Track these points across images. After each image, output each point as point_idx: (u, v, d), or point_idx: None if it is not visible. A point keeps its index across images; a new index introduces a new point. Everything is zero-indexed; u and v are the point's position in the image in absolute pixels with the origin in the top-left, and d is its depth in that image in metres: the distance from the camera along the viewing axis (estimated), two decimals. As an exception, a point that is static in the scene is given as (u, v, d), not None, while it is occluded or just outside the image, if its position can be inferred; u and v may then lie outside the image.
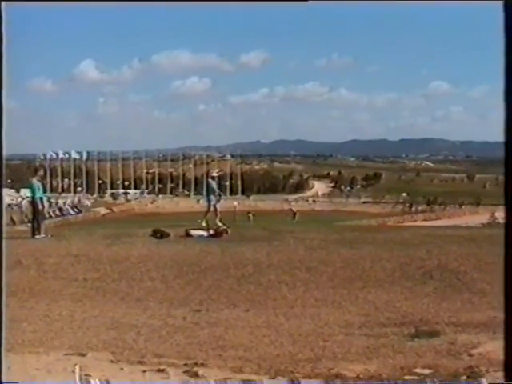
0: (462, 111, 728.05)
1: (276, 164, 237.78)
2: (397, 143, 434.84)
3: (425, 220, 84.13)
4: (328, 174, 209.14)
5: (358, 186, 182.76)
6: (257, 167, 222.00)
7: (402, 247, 20.52)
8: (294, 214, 73.29)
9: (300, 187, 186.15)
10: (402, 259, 18.41)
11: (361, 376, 7.29)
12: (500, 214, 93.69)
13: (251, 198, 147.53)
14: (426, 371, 7.54)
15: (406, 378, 7.31)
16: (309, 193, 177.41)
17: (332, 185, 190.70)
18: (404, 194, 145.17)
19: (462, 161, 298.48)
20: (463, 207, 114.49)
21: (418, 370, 7.60)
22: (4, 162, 4.81)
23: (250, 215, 71.24)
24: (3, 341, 5.05)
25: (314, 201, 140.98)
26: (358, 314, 12.54)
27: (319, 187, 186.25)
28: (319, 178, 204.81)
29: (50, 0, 15.18)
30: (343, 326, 11.12)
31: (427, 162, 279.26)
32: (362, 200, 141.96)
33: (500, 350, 8.72)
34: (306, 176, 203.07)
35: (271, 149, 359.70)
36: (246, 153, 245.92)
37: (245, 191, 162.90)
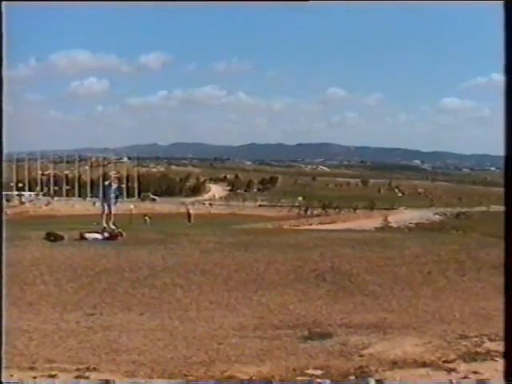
0: (357, 117, 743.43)
1: (173, 167, 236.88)
2: (293, 148, 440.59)
3: (320, 223, 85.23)
4: (225, 177, 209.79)
5: (255, 190, 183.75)
6: (154, 170, 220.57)
7: (297, 250, 20.83)
8: (189, 216, 73.02)
9: (197, 190, 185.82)
10: (296, 262, 18.69)
11: (254, 378, 7.37)
12: (392, 218, 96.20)
13: (147, 200, 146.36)
14: (318, 372, 7.69)
15: (298, 379, 7.44)
16: (206, 196, 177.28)
17: (229, 188, 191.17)
18: (300, 198, 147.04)
19: (357, 166, 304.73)
20: (357, 211, 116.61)
21: (309, 371, 7.74)
22: None
23: (147, 218, 70.55)
24: (3, 342, 4.96)
25: (210, 204, 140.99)
26: (252, 317, 12.66)
27: (216, 190, 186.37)
28: (216, 181, 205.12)
29: (50, 0, 14.84)
30: (237, 329, 11.20)
31: (323, 167, 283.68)
32: (259, 203, 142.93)
33: (390, 350, 9.01)
34: (203, 179, 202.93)
35: (169, 151, 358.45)
36: (143, 155, 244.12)
37: (141, 194, 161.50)
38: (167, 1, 7.40)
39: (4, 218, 5.04)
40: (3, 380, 5.30)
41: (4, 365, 5.96)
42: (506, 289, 4.24)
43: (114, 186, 27.32)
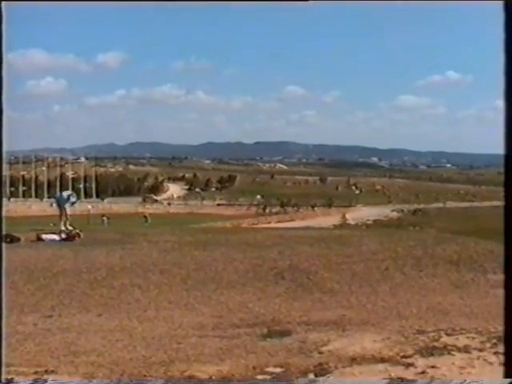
0: (315, 115, 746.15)
1: (131, 166, 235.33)
2: (252, 146, 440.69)
3: (278, 222, 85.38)
4: (183, 176, 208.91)
5: (213, 189, 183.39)
6: (112, 170, 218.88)
7: (255, 249, 20.86)
8: (146, 216, 72.74)
9: (155, 190, 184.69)
10: (255, 260, 18.73)
11: (213, 377, 7.36)
12: (350, 215, 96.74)
13: (106, 200, 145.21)
14: (278, 370, 7.71)
15: (259, 377, 7.45)
16: (164, 195, 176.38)
17: (187, 187, 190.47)
18: (258, 196, 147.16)
19: (315, 163, 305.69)
20: (316, 209, 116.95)
21: (269, 369, 7.76)
22: None
23: (105, 218, 70.03)
24: (3, 341, 4.89)
25: (168, 203, 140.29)
26: (211, 316, 12.65)
27: (174, 190, 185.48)
28: (174, 180, 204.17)
29: (50, 0, 14.62)
30: (196, 328, 11.19)
31: (281, 165, 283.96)
32: (217, 202, 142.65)
33: (349, 347, 9.06)
34: (161, 178, 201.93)
35: (126, 151, 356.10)
36: (100, 155, 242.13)
37: (99, 194, 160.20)
38: (136, 1, 7.31)
39: (3, 218, 5.00)
40: (3, 380, 5.25)
41: (4, 365, 5.90)
42: (505, 288, 4.25)
43: (68, 193, 27.00)
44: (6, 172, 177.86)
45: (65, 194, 25.39)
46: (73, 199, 25.87)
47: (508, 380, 4.56)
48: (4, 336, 4.95)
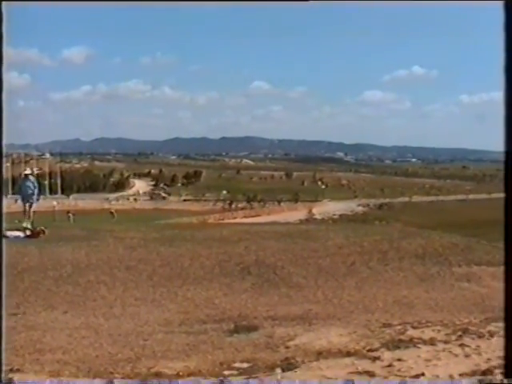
0: (281, 110, 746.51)
1: (97, 162, 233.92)
2: (218, 141, 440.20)
3: (245, 217, 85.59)
4: (149, 172, 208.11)
5: (179, 184, 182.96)
6: (77, 166, 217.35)
7: (221, 244, 20.84)
8: (112, 212, 72.41)
9: (121, 186, 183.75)
10: (221, 256, 18.71)
11: (180, 374, 7.35)
12: (317, 210, 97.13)
13: (71, 197, 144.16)
14: (245, 365, 7.71)
15: (226, 373, 7.45)
16: (130, 191, 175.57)
17: (153, 183, 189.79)
18: (224, 192, 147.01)
19: (281, 159, 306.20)
20: (282, 204, 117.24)
21: (236, 365, 7.76)
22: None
23: (70, 215, 69.62)
24: (3, 341, 4.82)
25: (135, 199, 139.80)
26: (177, 312, 12.63)
27: (140, 186, 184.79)
28: (140, 176, 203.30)
29: (50, 0, 14.43)
30: (163, 325, 11.16)
31: (247, 160, 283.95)
32: (183, 198, 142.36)
33: (315, 341, 9.09)
34: (126, 174, 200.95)
35: (92, 147, 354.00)
36: (66, 151, 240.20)
37: (64, 190, 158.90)
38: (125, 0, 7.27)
39: (3, 217, 4.97)
40: (3, 380, 5.20)
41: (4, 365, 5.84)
42: (505, 289, 4.27)
43: (32, 180, 26.62)
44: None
45: (29, 190, 25.01)
46: (37, 196, 25.52)
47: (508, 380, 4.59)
48: (4, 336, 4.93)
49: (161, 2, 6.60)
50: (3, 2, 4.20)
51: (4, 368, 5.37)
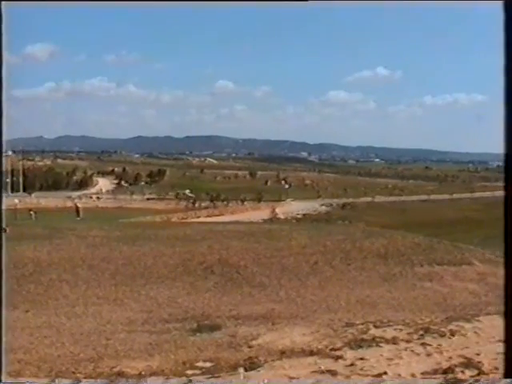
0: (245, 109, 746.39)
1: (60, 160, 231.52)
2: (182, 140, 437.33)
3: (208, 216, 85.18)
4: (112, 170, 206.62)
5: (143, 183, 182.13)
6: (40, 163, 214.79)
7: (185, 243, 20.79)
8: (78, 211, 71.69)
9: (84, 184, 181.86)
10: (184, 255, 18.67)
11: (143, 373, 7.32)
12: (280, 210, 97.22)
13: (33, 195, 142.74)
14: (208, 364, 7.71)
15: (188, 372, 7.43)
16: (93, 190, 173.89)
17: (116, 181, 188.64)
18: (188, 191, 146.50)
19: (245, 158, 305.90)
20: (245, 203, 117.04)
21: (199, 364, 7.75)
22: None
23: (32, 213, 68.79)
24: (3, 341, 4.74)
25: (98, 198, 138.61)
26: (140, 311, 12.58)
27: (103, 184, 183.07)
28: (103, 174, 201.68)
29: (50, 0, 14.17)
30: (125, 324, 11.11)
31: (211, 159, 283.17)
32: (147, 196, 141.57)
33: (278, 340, 9.10)
34: (90, 172, 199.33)
35: (55, 144, 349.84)
36: (28, 148, 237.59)
37: (27, 188, 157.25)
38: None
39: (4, 216, 4.94)
40: (3, 380, 5.16)
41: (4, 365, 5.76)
42: (505, 289, 4.28)
43: None
44: None
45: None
46: None
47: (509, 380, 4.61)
48: (4, 336, 4.90)
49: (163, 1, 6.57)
50: (3, 2, 4.18)
51: (4, 369, 5.32)
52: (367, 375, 6.92)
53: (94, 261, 17.76)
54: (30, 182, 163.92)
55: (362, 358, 7.56)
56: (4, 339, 4.94)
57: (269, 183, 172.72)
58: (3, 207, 5.16)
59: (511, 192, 4.33)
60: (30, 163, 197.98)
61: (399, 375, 6.83)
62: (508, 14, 4.10)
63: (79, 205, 78.80)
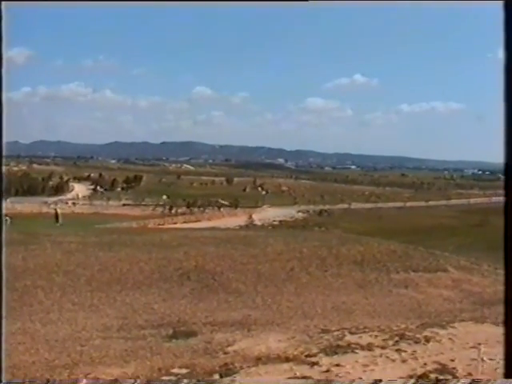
0: (223, 116, 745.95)
1: (35, 165, 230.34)
2: (158, 146, 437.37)
3: (185, 222, 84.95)
4: (89, 176, 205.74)
5: (119, 189, 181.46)
6: (15, 168, 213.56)
7: (161, 249, 20.74)
8: (57, 216, 71.12)
9: (60, 189, 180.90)
10: (160, 261, 18.63)
11: (118, 380, 7.29)
12: (257, 216, 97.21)
13: (8, 200, 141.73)
14: (183, 371, 7.69)
15: (164, 378, 7.41)
16: (69, 195, 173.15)
17: (93, 187, 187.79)
18: (164, 197, 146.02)
19: (222, 164, 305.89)
20: (222, 209, 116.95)
21: (175, 371, 7.73)
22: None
23: (7, 218, 68.39)
24: (3, 340, 4.68)
25: (74, 203, 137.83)
26: (115, 317, 12.53)
27: (79, 189, 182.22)
28: (80, 180, 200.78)
29: (50, 0, 14.05)
30: (101, 330, 11.06)
31: (188, 165, 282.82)
32: (123, 202, 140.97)
33: (254, 347, 9.10)
34: (66, 178, 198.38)
35: (31, 150, 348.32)
36: (3, 153, 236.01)
37: (1, 193, 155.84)
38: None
39: (3, 219, 4.92)
40: (3, 380, 5.13)
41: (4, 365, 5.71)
42: (505, 290, 4.27)
43: None
44: None
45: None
46: None
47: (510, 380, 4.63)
48: (4, 337, 4.88)
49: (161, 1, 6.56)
50: (3, 2, 4.16)
51: (4, 369, 5.29)
52: (343, 382, 6.94)
53: (70, 267, 17.67)
54: (5, 187, 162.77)
55: (337, 365, 7.59)
56: (4, 339, 4.92)
57: (246, 189, 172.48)
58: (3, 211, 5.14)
59: (511, 200, 4.35)
60: (4, 168, 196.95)
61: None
62: (508, 13, 4.12)
63: (59, 210, 78.26)
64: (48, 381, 7.21)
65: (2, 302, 4.77)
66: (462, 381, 7.15)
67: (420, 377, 6.96)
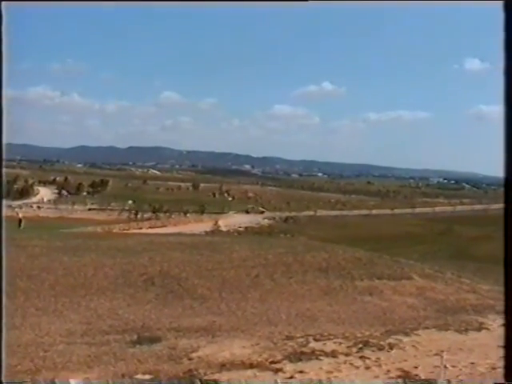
0: (190, 121, 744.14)
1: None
2: (125, 150, 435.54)
3: (150, 227, 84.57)
4: (54, 179, 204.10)
5: (85, 193, 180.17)
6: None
7: (126, 254, 20.65)
8: (20, 220, 70.43)
9: (25, 193, 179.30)
10: (125, 266, 18.55)
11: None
12: (223, 222, 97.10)
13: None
14: (147, 377, 7.67)
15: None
16: (34, 199, 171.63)
17: (58, 191, 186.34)
18: (130, 202, 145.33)
19: (188, 170, 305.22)
20: (188, 215, 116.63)
21: (139, 377, 7.72)
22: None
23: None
24: (3, 340, 4.58)
25: (38, 207, 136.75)
26: (79, 323, 12.44)
27: (45, 193, 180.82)
28: (45, 183, 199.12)
29: (50, 0, 13.84)
30: (64, 335, 10.98)
31: (154, 170, 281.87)
32: (88, 207, 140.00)
33: (218, 353, 9.09)
34: (31, 181, 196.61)
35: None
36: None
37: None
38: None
39: (4, 218, 4.86)
40: (3, 380, 5.06)
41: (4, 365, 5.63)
42: (505, 291, 4.28)
43: None
44: None
45: None
46: None
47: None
48: (4, 337, 4.83)
49: (160, 1, 6.54)
50: (3, 2, 4.12)
51: (4, 369, 5.24)
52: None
53: (34, 271, 17.53)
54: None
55: (301, 371, 7.62)
56: (4, 339, 4.87)
57: (212, 195, 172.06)
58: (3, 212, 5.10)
59: (511, 210, 4.38)
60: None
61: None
62: (508, 13, 4.11)
63: (21, 214, 77.56)
64: (51, 381, 7.16)
65: (2, 302, 4.73)
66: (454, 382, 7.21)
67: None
